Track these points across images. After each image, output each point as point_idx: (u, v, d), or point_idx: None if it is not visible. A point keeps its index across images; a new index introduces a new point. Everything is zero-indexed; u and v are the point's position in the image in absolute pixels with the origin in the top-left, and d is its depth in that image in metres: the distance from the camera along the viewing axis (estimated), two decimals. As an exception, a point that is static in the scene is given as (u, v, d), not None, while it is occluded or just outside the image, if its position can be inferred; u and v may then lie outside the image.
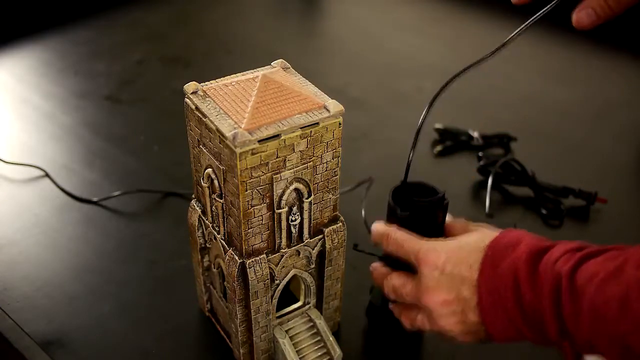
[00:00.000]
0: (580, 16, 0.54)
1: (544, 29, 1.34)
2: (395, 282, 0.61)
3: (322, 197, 0.63)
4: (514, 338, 0.55)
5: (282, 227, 0.62)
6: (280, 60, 0.66)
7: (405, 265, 0.61)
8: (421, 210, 0.62)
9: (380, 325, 0.74)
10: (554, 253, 0.51)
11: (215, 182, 0.61)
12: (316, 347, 0.69)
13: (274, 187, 0.59)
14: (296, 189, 0.61)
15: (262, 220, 0.60)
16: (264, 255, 0.62)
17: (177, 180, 0.96)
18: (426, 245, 0.58)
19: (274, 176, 0.58)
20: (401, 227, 0.62)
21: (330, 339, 0.69)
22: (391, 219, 0.63)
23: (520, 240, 0.54)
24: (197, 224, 0.69)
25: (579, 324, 0.48)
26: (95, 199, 0.91)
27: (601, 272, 0.47)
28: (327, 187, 0.63)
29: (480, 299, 0.54)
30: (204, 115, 0.59)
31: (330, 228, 0.66)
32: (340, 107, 0.60)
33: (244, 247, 0.61)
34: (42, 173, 0.95)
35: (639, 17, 1.28)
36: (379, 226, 0.64)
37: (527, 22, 0.58)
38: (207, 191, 0.64)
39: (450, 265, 0.56)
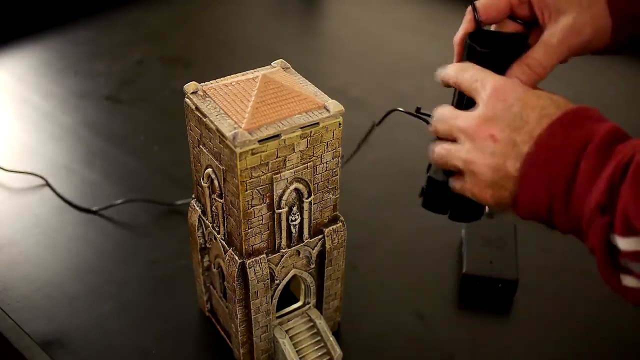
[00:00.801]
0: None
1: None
2: (447, 112, 0.56)
3: (322, 197, 0.63)
4: (536, 212, 0.51)
5: (282, 227, 0.62)
6: (280, 60, 0.66)
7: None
8: (504, 44, 0.56)
9: (438, 202, 0.65)
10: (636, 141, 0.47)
11: (215, 182, 0.61)
12: (316, 347, 0.69)
13: (274, 187, 0.59)
14: (296, 189, 0.61)
15: (262, 220, 0.60)
16: (264, 255, 0.62)
17: (177, 180, 0.96)
18: (503, 79, 0.53)
19: (274, 176, 0.58)
20: None
21: (330, 339, 0.69)
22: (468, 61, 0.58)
23: (605, 120, 0.50)
24: (197, 224, 0.69)
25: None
26: (98, 207, 0.91)
27: None
28: (327, 187, 0.63)
29: (531, 152, 0.49)
30: (204, 115, 0.59)
31: (330, 228, 0.66)
32: (340, 107, 0.60)
33: (244, 247, 0.61)
34: (42, 182, 0.95)
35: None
36: (451, 66, 0.58)
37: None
38: (207, 191, 0.64)
39: (520, 105, 0.51)
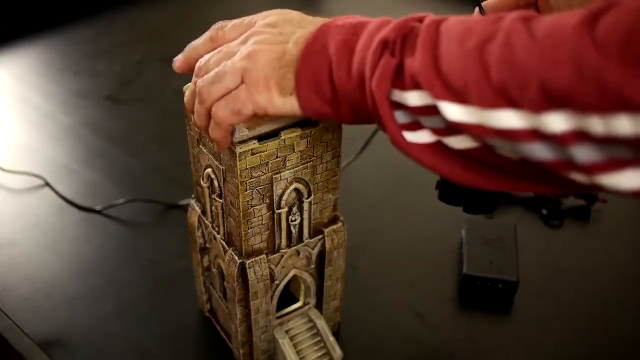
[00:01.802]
0: None
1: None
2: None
3: (322, 197, 0.63)
4: (318, 85, 0.49)
5: (282, 227, 0.62)
6: None
7: None
8: None
9: (453, 194, 0.64)
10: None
11: (215, 182, 0.61)
12: (316, 348, 0.69)
13: (274, 187, 0.59)
14: (296, 189, 0.61)
15: (262, 220, 0.60)
16: (264, 256, 0.62)
17: (177, 180, 0.96)
18: None
19: (273, 176, 0.58)
20: None
21: (330, 339, 0.69)
22: None
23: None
24: (196, 224, 0.69)
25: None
26: (99, 207, 0.91)
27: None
28: (327, 187, 0.63)
29: (310, 32, 0.49)
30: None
31: (330, 228, 0.66)
32: None
33: (243, 247, 0.61)
34: (42, 182, 0.95)
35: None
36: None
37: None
38: (206, 191, 0.64)
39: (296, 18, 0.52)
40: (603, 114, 0.34)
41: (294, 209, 0.62)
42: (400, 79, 0.44)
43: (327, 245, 0.66)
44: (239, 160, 0.55)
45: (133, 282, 0.81)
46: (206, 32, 0.56)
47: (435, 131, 0.44)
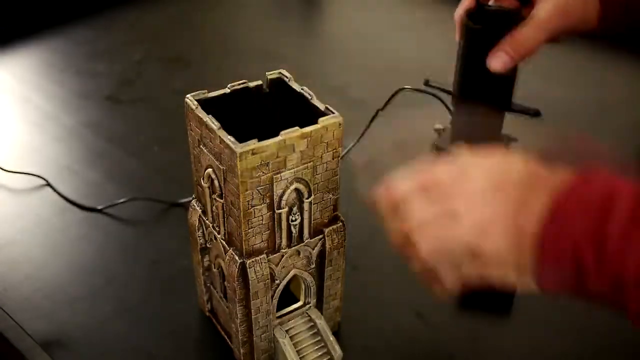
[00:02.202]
0: (491, 62, 0.56)
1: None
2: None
3: (322, 197, 0.64)
4: (561, 275, 0.43)
5: (282, 227, 0.62)
6: (279, 71, 0.67)
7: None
8: (496, 21, 0.56)
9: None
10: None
11: (216, 182, 0.61)
12: (316, 347, 0.69)
13: (274, 187, 0.59)
14: (296, 189, 0.61)
15: (262, 220, 0.60)
16: (264, 255, 0.62)
17: (178, 180, 0.96)
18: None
19: (274, 176, 0.58)
20: (471, 48, 0.56)
21: (331, 339, 0.69)
22: (462, 41, 0.58)
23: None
24: (197, 224, 0.69)
25: None
26: (99, 207, 0.91)
27: None
28: (327, 187, 0.63)
29: (549, 208, 0.42)
30: (205, 115, 0.59)
31: (331, 228, 0.66)
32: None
33: (244, 247, 0.61)
34: (43, 182, 0.95)
35: (638, 17, 1.28)
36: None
37: None
38: (207, 191, 0.64)
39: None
40: None
41: (295, 209, 0.62)
42: None
43: (327, 245, 0.66)
44: (240, 160, 0.55)
45: (134, 282, 0.81)
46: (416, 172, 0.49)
47: None
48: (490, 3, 0.61)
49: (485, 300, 0.79)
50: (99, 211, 0.91)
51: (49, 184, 0.95)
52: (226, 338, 0.73)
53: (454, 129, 0.63)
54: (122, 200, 0.91)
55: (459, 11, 0.60)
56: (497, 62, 0.56)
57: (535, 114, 0.60)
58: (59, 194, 0.93)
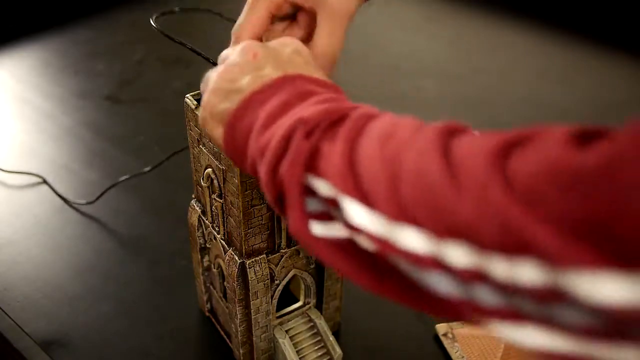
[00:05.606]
0: None
1: (543, 29, 1.34)
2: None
3: (322, 197, 0.63)
4: (237, 142, 0.46)
5: (282, 227, 0.62)
6: None
7: None
8: None
9: None
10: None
11: (215, 182, 0.61)
12: (316, 347, 0.69)
13: (274, 187, 0.59)
14: (296, 189, 0.61)
15: (262, 220, 0.60)
16: (264, 255, 0.62)
17: (178, 180, 0.96)
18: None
19: (274, 176, 0.58)
20: None
21: (331, 339, 0.69)
22: None
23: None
24: (197, 224, 0.69)
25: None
26: (99, 206, 0.91)
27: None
28: (327, 187, 0.63)
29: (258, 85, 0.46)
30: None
31: (330, 228, 0.65)
32: None
33: (243, 247, 0.61)
34: (41, 181, 0.95)
35: (638, 17, 1.28)
36: None
37: None
38: (207, 191, 0.64)
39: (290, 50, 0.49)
40: (505, 256, 0.31)
41: (294, 208, 0.62)
42: (314, 164, 0.40)
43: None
44: (239, 160, 0.55)
45: (133, 282, 0.81)
46: None
47: (347, 225, 0.39)
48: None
49: None
50: (98, 211, 0.91)
51: (47, 183, 0.95)
52: (226, 338, 0.73)
53: None
54: (121, 201, 0.91)
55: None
56: None
57: None
58: (57, 193, 0.93)
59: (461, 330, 0.74)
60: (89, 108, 1.14)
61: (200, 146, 0.62)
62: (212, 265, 0.70)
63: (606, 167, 0.27)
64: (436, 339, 0.75)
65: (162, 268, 0.83)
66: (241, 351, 0.68)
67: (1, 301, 0.78)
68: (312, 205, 0.41)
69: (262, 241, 0.62)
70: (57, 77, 1.22)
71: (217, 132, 0.48)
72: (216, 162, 0.60)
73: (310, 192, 0.41)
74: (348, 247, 0.40)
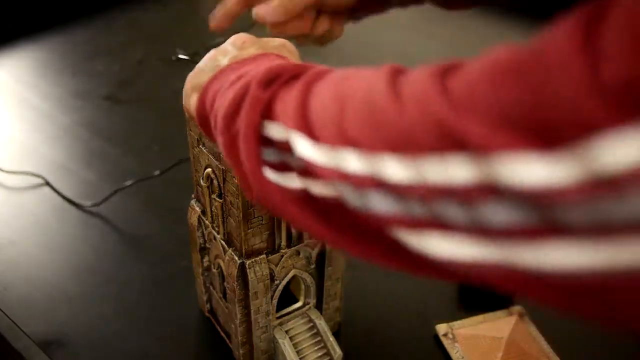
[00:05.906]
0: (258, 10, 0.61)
1: (543, 29, 1.34)
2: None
3: (322, 197, 0.63)
4: (203, 107, 0.50)
5: (282, 227, 0.62)
6: None
7: None
8: None
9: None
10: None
11: (215, 182, 0.61)
12: (316, 348, 0.69)
13: (274, 187, 0.59)
14: (296, 189, 0.61)
15: (262, 220, 0.60)
16: (264, 256, 0.62)
17: (177, 180, 0.96)
18: None
19: (274, 176, 0.58)
20: None
21: (331, 339, 0.69)
22: None
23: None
24: (197, 224, 0.69)
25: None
26: (98, 206, 0.91)
27: None
28: (327, 187, 0.63)
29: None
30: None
31: (330, 228, 0.65)
32: None
33: (243, 248, 0.61)
34: (41, 182, 0.95)
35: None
36: None
37: None
38: (206, 191, 0.64)
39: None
40: (439, 157, 0.31)
41: (294, 209, 0.62)
42: (270, 110, 0.41)
43: (327, 245, 0.66)
44: (239, 160, 0.55)
45: (133, 282, 0.81)
46: None
47: (300, 172, 0.40)
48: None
49: (485, 299, 0.79)
50: (98, 210, 0.91)
51: (47, 183, 0.95)
52: (226, 338, 0.73)
53: None
54: (121, 201, 0.91)
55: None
56: (261, 9, 0.61)
57: None
58: (57, 193, 0.93)
59: (461, 330, 0.73)
60: (88, 108, 1.14)
61: (200, 146, 0.62)
62: (212, 266, 0.70)
63: (536, 58, 0.28)
64: (436, 339, 0.75)
65: (162, 268, 0.83)
66: (241, 351, 0.68)
67: (1, 301, 0.77)
68: (269, 155, 0.41)
69: (262, 241, 0.62)
70: (57, 77, 1.22)
71: (193, 100, 0.51)
72: (216, 162, 0.59)
73: (266, 142, 0.41)
74: (303, 198, 0.40)
